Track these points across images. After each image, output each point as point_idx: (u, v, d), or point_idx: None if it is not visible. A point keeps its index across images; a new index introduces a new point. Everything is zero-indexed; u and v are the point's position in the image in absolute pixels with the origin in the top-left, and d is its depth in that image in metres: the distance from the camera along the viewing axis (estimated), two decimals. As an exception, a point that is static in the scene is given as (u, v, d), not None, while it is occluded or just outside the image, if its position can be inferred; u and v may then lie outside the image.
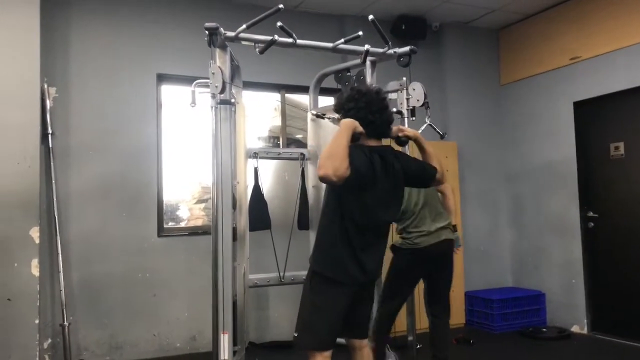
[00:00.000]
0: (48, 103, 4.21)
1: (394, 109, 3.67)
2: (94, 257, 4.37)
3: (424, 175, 2.72)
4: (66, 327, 4.08)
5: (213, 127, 3.33)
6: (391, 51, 3.67)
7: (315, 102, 4.50)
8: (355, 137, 2.44)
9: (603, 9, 4.89)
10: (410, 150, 3.47)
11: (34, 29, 4.03)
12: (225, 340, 3.17)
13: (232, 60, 3.49)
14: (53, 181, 4.20)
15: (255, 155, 4.10)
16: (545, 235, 5.46)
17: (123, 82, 4.59)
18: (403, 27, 5.38)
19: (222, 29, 3.21)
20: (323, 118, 4.01)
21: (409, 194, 3.52)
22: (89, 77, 4.48)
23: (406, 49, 3.66)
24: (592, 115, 5.10)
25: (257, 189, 4.10)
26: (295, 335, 2.58)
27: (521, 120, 5.76)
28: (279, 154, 4.50)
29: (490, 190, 5.85)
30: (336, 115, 2.66)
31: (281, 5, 3.12)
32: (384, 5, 5.19)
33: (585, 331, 5.04)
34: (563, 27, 5.26)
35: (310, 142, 4.45)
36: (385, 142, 2.69)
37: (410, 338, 3.88)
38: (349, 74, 4.17)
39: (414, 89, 3.70)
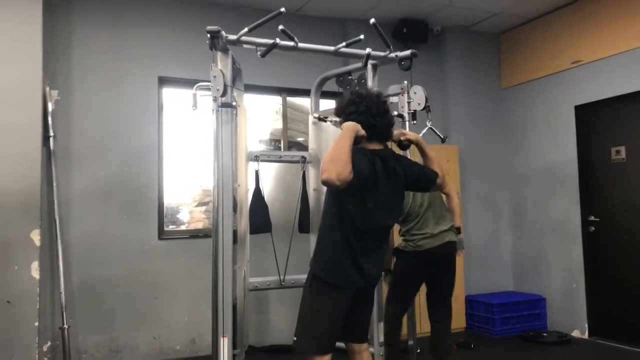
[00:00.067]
0: (50, 106, 4.22)
1: (395, 113, 3.67)
2: (94, 259, 4.37)
3: (425, 179, 2.71)
4: (66, 330, 4.08)
5: (214, 130, 3.32)
6: (392, 55, 3.67)
7: (317, 105, 4.50)
8: (357, 141, 2.44)
9: (604, 13, 4.89)
10: (412, 154, 3.47)
11: (36, 32, 4.04)
12: (225, 344, 3.16)
13: (233, 63, 3.49)
14: (54, 184, 4.20)
15: (256, 158, 4.10)
16: (546, 240, 5.45)
17: (125, 85, 4.60)
18: (404, 31, 5.39)
19: (223, 32, 3.21)
20: (325, 121, 4.01)
21: (413, 195, 3.53)
22: (90, 80, 4.49)
23: (407, 52, 3.66)
24: (593, 119, 5.10)
25: (258, 192, 4.09)
26: (295, 339, 2.57)
27: (522, 124, 5.76)
28: (280, 157, 4.49)
29: (491, 194, 5.85)
30: (337, 119, 2.66)
31: (283, 9, 3.12)
32: (385, 9, 5.19)
33: (585, 336, 5.03)
34: (564, 31, 5.26)
35: (311, 145, 4.45)
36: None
37: (410, 342, 3.87)
38: (350, 77, 4.17)
39: (415, 93, 3.69)
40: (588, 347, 4.83)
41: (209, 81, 3.22)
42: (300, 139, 5.44)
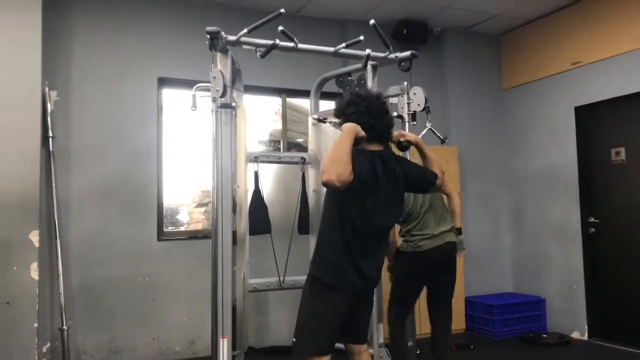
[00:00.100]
0: (49, 106, 4.21)
1: (395, 114, 3.67)
2: (93, 260, 4.36)
3: (425, 180, 2.71)
4: (65, 331, 4.07)
5: (214, 130, 3.32)
6: (392, 56, 3.67)
7: (316, 106, 4.50)
8: (356, 142, 2.44)
9: (604, 15, 4.89)
10: (411, 155, 3.47)
11: (35, 33, 4.04)
12: (224, 345, 3.15)
13: (233, 64, 3.49)
14: (53, 185, 4.20)
15: (255, 159, 4.10)
16: (546, 241, 5.45)
17: (124, 86, 4.59)
18: (404, 32, 5.38)
19: (223, 33, 3.21)
20: (324, 122, 4.01)
21: (414, 196, 3.53)
22: (90, 80, 4.48)
23: (407, 53, 3.66)
24: (593, 121, 5.10)
25: (257, 193, 4.09)
26: (294, 340, 2.57)
27: (522, 125, 5.76)
28: (280, 158, 4.49)
29: (491, 195, 5.85)
30: (337, 120, 2.66)
31: (282, 10, 3.12)
32: (385, 10, 5.19)
33: (585, 337, 5.02)
34: (564, 32, 5.26)
35: (311, 146, 4.45)
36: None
37: (410, 344, 3.86)
38: (350, 78, 4.17)
39: (415, 94, 3.69)
40: (588, 349, 4.83)
41: (209, 82, 3.22)
42: (299, 140, 5.44)
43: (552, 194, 5.38)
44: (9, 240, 3.84)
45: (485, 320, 5.24)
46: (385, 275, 3.49)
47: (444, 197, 3.76)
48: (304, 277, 2.65)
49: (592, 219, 5.07)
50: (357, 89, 3.97)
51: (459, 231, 3.67)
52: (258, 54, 3.35)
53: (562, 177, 5.27)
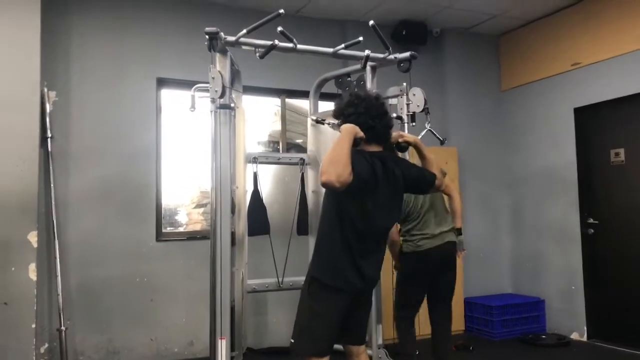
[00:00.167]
0: (48, 107, 4.21)
1: (394, 115, 3.67)
2: (91, 261, 4.35)
3: (424, 181, 2.71)
4: (63, 332, 4.06)
5: (212, 131, 3.32)
6: (391, 56, 3.67)
7: (316, 107, 4.50)
8: (355, 142, 2.43)
9: (604, 16, 4.89)
10: (410, 156, 3.47)
11: (34, 33, 4.03)
12: (222, 346, 3.15)
13: (232, 64, 3.48)
14: (52, 185, 4.19)
15: (254, 160, 4.09)
16: (545, 242, 5.45)
17: (123, 86, 4.58)
18: (404, 33, 5.38)
19: (222, 33, 3.21)
20: (323, 123, 4.01)
21: (415, 195, 3.52)
22: (88, 81, 4.48)
23: (406, 54, 3.66)
24: (592, 122, 5.10)
25: (256, 193, 4.08)
26: (292, 341, 2.56)
27: (521, 126, 5.76)
28: (279, 158, 4.49)
29: (490, 196, 5.84)
30: (336, 121, 2.66)
31: (282, 10, 3.12)
32: (384, 11, 5.19)
33: (584, 338, 5.02)
34: (564, 33, 5.26)
35: (310, 147, 4.45)
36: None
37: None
38: (349, 79, 4.17)
39: (414, 95, 3.69)
40: (587, 350, 4.82)
41: (208, 82, 3.22)
42: (299, 141, 5.43)
43: (552, 195, 5.38)
44: (7, 240, 3.84)
45: (485, 321, 5.24)
46: (384, 275, 3.48)
47: (445, 197, 3.76)
48: (303, 278, 2.64)
49: (591, 220, 5.07)
50: (356, 89, 3.97)
51: (459, 232, 3.67)
52: (257, 54, 3.35)
53: (562, 178, 5.27)
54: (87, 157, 4.41)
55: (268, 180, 5.02)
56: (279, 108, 5.34)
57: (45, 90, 4.20)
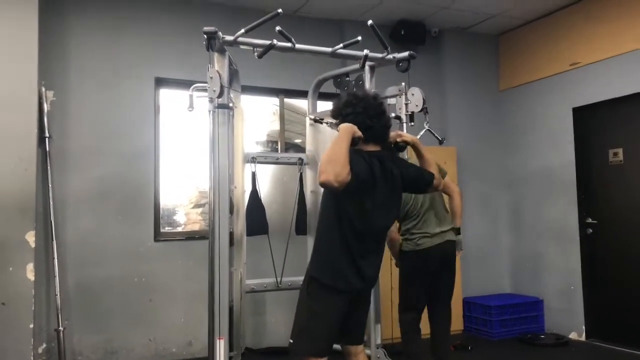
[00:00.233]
0: (45, 106, 4.20)
1: (393, 114, 3.67)
2: (89, 261, 4.34)
3: (422, 181, 2.71)
4: (61, 332, 4.06)
5: (211, 131, 3.31)
6: (390, 56, 3.67)
7: (314, 106, 4.50)
8: (354, 142, 2.43)
9: (603, 15, 4.89)
10: (408, 155, 3.46)
11: (32, 33, 4.02)
12: (221, 346, 3.15)
13: (230, 64, 3.48)
14: (49, 185, 4.18)
15: (253, 159, 4.08)
16: (544, 242, 5.45)
17: (121, 86, 4.58)
18: (402, 33, 5.38)
19: (220, 33, 3.21)
20: (321, 123, 4.01)
21: (415, 194, 3.51)
22: (86, 80, 4.47)
23: (405, 54, 3.66)
24: (591, 122, 5.10)
25: (254, 193, 4.08)
26: (291, 341, 2.56)
27: (520, 125, 5.76)
28: (277, 158, 4.48)
29: (489, 196, 5.84)
30: (334, 120, 2.65)
31: (280, 10, 3.11)
32: (383, 11, 5.18)
33: (583, 338, 5.02)
34: (562, 33, 5.26)
35: (308, 146, 4.44)
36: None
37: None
38: (347, 78, 4.16)
39: (413, 94, 3.69)
40: (585, 349, 4.83)
41: (206, 82, 3.22)
42: (297, 141, 5.43)
43: (550, 194, 5.38)
44: (5, 240, 3.83)
45: (483, 321, 5.23)
46: (383, 274, 3.47)
47: (445, 197, 3.75)
48: (302, 278, 2.64)
49: (590, 220, 5.07)
50: (354, 89, 3.97)
51: (457, 231, 3.66)
52: (255, 54, 3.34)
53: (560, 177, 5.27)
54: (85, 157, 4.41)
55: (266, 180, 5.01)
56: (278, 108, 5.33)
57: (43, 90, 4.19)
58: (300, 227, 4.25)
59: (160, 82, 4.78)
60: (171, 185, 4.86)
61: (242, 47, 3.35)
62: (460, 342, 4.86)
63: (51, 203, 4.17)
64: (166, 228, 4.84)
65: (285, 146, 5.32)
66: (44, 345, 4.14)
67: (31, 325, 3.86)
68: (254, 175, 4.07)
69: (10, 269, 3.83)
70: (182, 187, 5.01)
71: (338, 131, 2.43)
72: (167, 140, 4.82)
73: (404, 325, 3.62)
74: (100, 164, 4.44)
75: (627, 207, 4.78)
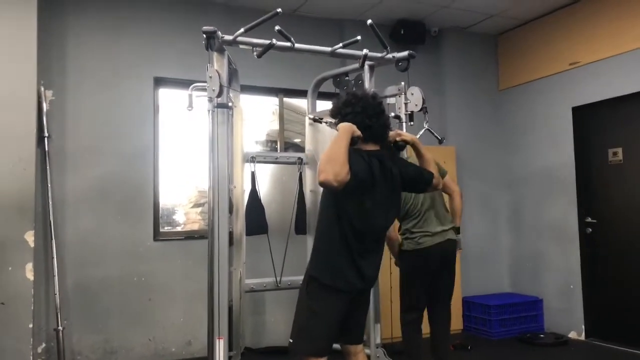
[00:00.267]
0: (44, 106, 4.19)
1: (392, 114, 3.67)
2: (89, 261, 4.34)
3: (421, 180, 2.71)
4: (60, 332, 4.05)
5: (210, 130, 3.31)
6: (390, 56, 3.67)
7: (314, 106, 4.50)
8: (353, 142, 2.43)
9: (602, 15, 4.89)
10: (408, 155, 3.46)
11: (31, 32, 4.02)
12: (220, 346, 3.15)
13: (229, 64, 3.48)
14: (49, 185, 4.18)
15: (252, 159, 4.08)
16: (544, 241, 5.45)
17: (120, 86, 4.57)
18: (402, 32, 5.38)
19: (219, 32, 3.20)
20: (320, 122, 4.01)
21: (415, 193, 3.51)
22: (85, 80, 4.46)
23: (405, 53, 3.66)
24: (590, 121, 5.10)
25: (254, 193, 4.08)
26: (291, 341, 2.56)
27: (520, 125, 5.76)
28: (277, 158, 4.48)
29: (489, 195, 5.84)
30: (333, 120, 2.65)
31: (279, 9, 3.11)
32: (383, 10, 5.18)
33: (582, 337, 5.02)
34: (562, 33, 5.26)
35: (308, 146, 4.44)
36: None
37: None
38: (347, 78, 4.16)
39: (412, 94, 3.69)
40: (585, 349, 4.83)
41: (205, 82, 3.21)
42: (297, 140, 5.43)
43: (550, 194, 5.38)
44: (4, 240, 3.83)
45: (483, 321, 5.23)
46: (383, 274, 3.47)
47: (445, 196, 3.75)
48: (301, 278, 2.64)
49: (589, 219, 5.07)
50: (354, 89, 3.97)
51: (457, 230, 3.67)
52: (255, 53, 3.34)
53: (560, 177, 5.27)
54: (84, 157, 4.40)
55: (266, 179, 5.01)
56: (277, 107, 5.33)
57: (42, 89, 4.19)
58: (300, 227, 4.25)
59: (159, 82, 4.77)
60: (170, 184, 4.86)
61: (241, 46, 3.35)
62: (459, 342, 4.86)
63: (50, 203, 4.17)
64: (165, 228, 4.84)
65: (284, 146, 5.32)
66: (43, 345, 4.14)
67: (30, 325, 3.86)
68: (253, 174, 4.07)
69: (10, 268, 3.82)
70: (182, 187, 5.01)
71: (337, 130, 2.43)
72: (166, 139, 4.82)
73: (405, 325, 3.61)
74: (99, 164, 4.44)
75: (627, 206, 4.78)
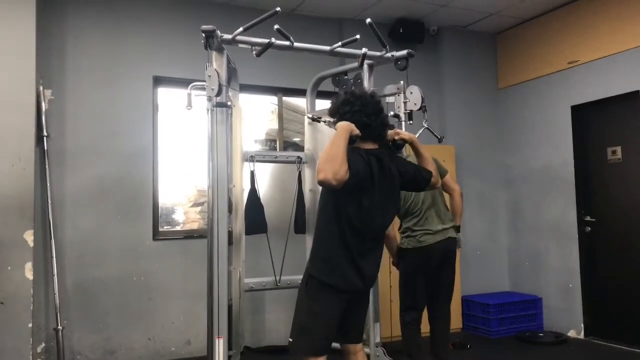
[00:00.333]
0: (43, 105, 4.19)
1: (392, 113, 3.67)
2: (88, 260, 4.34)
3: (420, 178, 2.71)
4: (60, 331, 4.05)
5: (209, 130, 3.31)
6: (389, 55, 3.67)
7: (313, 105, 4.50)
8: (351, 140, 2.43)
9: (601, 13, 4.89)
10: (407, 153, 3.46)
11: (29, 31, 4.01)
12: (220, 345, 3.15)
13: (229, 63, 3.48)
14: (48, 184, 4.17)
15: (251, 158, 4.09)
16: (543, 240, 5.45)
17: (119, 85, 4.57)
18: (401, 31, 5.38)
19: (218, 31, 3.20)
20: (319, 121, 4.00)
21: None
22: (84, 79, 4.46)
23: (404, 52, 3.66)
24: (589, 120, 5.10)
25: (253, 192, 4.08)
26: (290, 340, 2.56)
27: (519, 124, 5.76)
28: (276, 157, 4.48)
29: (488, 194, 5.84)
30: (331, 119, 2.65)
31: (278, 8, 3.11)
32: (382, 9, 5.18)
33: (581, 336, 5.02)
34: (561, 31, 5.26)
35: (307, 145, 4.44)
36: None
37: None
38: (346, 77, 4.17)
39: (411, 93, 3.69)
40: (584, 347, 4.83)
41: (204, 81, 3.21)
42: (296, 139, 5.42)
43: (549, 193, 5.39)
44: (3, 239, 3.82)
45: (482, 319, 5.24)
46: (382, 273, 3.48)
47: (446, 195, 3.75)
48: (300, 277, 2.64)
49: (588, 218, 5.07)
50: (353, 88, 3.97)
51: (457, 229, 3.67)
52: (254, 52, 3.34)
53: (559, 176, 5.27)
54: (84, 156, 4.40)
55: (265, 178, 5.00)
56: (276, 106, 5.33)
57: (41, 88, 4.18)
58: (299, 226, 4.26)
59: (158, 81, 4.77)
60: (170, 184, 4.85)
61: (240, 45, 3.35)
62: (459, 341, 4.86)
63: (49, 202, 4.17)
64: (165, 227, 4.84)
65: (283, 145, 5.32)
66: (43, 345, 4.14)
67: (30, 325, 3.86)
68: (252, 174, 4.08)
69: (9, 268, 3.82)
70: (181, 186, 5.00)
71: (335, 130, 2.43)
72: (165, 139, 4.81)
73: (405, 325, 3.61)
74: (98, 163, 4.44)
75: (626, 205, 4.78)
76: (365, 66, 3.79)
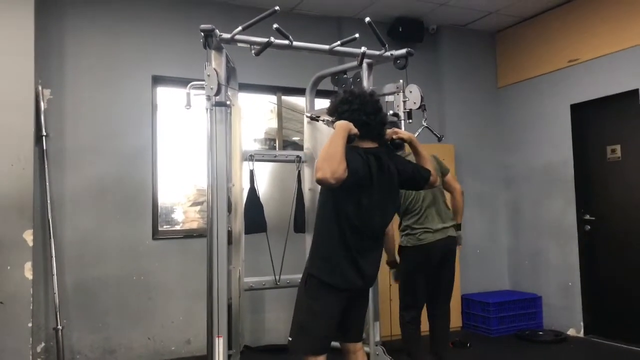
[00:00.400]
0: (42, 105, 4.18)
1: (391, 112, 3.66)
2: (88, 260, 4.34)
3: (419, 177, 2.71)
4: (59, 331, 4.05)
5: (208, 129, 3.31)
6: (388, 53, 3.66)
7: (312, 104, 4.49)
8: (350, 139, 2.43)
9: (601, 12, 4.89)
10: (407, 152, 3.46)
11: (28, 31, 4.01)
12: (220, 344, 3.15)
13: (227, 62, 3.47)
14: (47, 184, 4.17)
15: (251, 157, 4.08)
16: (542, 238, 5.45)
17: (118, 84, 4.56)
18: (400, 30, 5.38)
19: (217, 30, 3.20)
20: (317, 120, 4.00)
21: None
22: (83, 79, 4.46)
23: (403, 51, 3.66)
24: (589, 118, 5.10)
25: (252, 191, 4.08)
26: (290, 339, 2.56)
27: (518, 123, 5.76)
28: (275, 156, 4.48)
29: (488, 193, 5.84)
30: (330, 118, 2.65)
31: (277, 7, 3.11)
32: (381, 8, 5.18)
33: (581, 334, 5.03)
34: (560, 30, 5.26)
35: (306, 144, 4.44)
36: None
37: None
38: (345, 76, 4.16)
39: (410, 92, 3.68)
40: (584, 346, 4.83)
41: (203, 80, 3.21)
42: (295, 138, 5.42)
43: (549, 191, 5.38)
44: (2, 239, 3.82)
45: (482, 318, 5.24)
46: (381, 272, 3.47)
47: (447, 194, 3.75)
48: (300, 276, 2.64)
49: (588, 217, 5.07)
50: (352, 86, 3.96)
51: (458, 227, 3.67)
52: (253, 51, 3.33)
53: (559, 174, 5.27)
54: (83, 155, 4.39)
55: (264, 177, 5.00)
56: (275, 105, 5.33)
57: (40, 88, 4.18)
58: (299, 225, 4.25)
59: (157, 80, 4.77)
60: (169, 183, 4.85)
61: (239, 44, 3.35)
62: (458, 339, 4.86)
63: (49, 202, 4.16)
64: (164, 226, 4.84)
65: (283, 144, 5.31)
66: (43, 344, 4.14)
67: (29, 324, 3.86)
68: (252, 173, 4.07)
69: (8, 268, 3.82)
70: (180, 185, 5.00)
71: (334, 129, 2.43)
72: (164, 138, 4.81)
73: (405, 323, 3.61)
74: (97, 162, 4.43)
75: (625, 203, 4.78)
76: (365, 65, 3.78)
